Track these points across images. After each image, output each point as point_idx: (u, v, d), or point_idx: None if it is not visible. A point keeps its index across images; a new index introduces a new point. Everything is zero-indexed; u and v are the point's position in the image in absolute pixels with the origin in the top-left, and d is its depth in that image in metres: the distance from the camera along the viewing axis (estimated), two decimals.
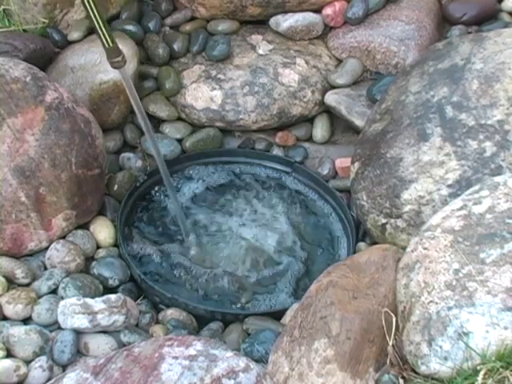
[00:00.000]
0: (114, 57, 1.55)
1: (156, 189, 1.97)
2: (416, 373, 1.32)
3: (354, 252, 1.77)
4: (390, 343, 1.35)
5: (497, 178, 1.49)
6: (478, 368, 1.21)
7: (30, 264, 1.67)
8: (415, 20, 2.06)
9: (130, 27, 2.04)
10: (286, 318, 1.63)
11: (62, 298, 1.59)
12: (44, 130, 1.68)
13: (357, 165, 1.78)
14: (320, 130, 2.06)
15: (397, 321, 1.38)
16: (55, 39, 2.01)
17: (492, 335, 1.24)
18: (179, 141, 2.03)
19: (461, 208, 1.44)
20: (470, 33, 1.99)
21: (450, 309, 1.28)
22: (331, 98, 2.02)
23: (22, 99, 1.68)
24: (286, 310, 1.66)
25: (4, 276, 1.60)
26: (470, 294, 1.28)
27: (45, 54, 1.94)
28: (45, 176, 1.67)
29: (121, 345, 1.53)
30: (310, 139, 2.08)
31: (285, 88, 2.01)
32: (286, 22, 2.08)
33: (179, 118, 2.04)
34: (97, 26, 1.49)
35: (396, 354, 1.36)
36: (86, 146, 1.75)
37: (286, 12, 2.08)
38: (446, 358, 1.27)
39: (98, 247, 1.78)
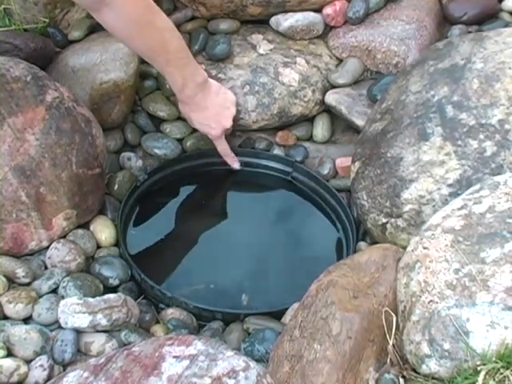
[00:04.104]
0: None
1: (156, 188, 1.97)
2: (416, 372, 1.32)
3: (355, 251, 1.77)
4: (391, 343, 1.35)
5: (497, 178, 1.49)
6: (479, 368, 1.22)
7: (30, 263, 1.66)
8: (416, 19, 2.05)
9: None
10: (287, 318, 1.63)
11: (63, 298, 1.59)
12: (44, 129, 1.68)
13: (357, 164, 1.78)
14: (320, 129, 2.06)
15: (397, 320, 1.38)
16: (56, 39, 2.01)
17: (492, 335, 1.24)
18: (180, 140, 2.02)
19: (461, 207, 1.44)
20: (470, 32, 1.99)
21: (450, 308, 1.29)
22: (332, 98, 2.02)
23: (22, 98, 1.68)
24: (286, 309, 1.66)
25: (4, 275, 1.60)
26: (470, 294, 1.28)
27: (45, 54, 1.94)
28: (45, 175, 1.67)
29: (121, 344, 1.53)
30: (310, 139, 2.08)
31: (285, 87, 2.01)
32: (286, 21, 2.07)
33: (179, 118, 2.04)
34: None
35: (396, 354, 1.36)
36: (87, 145, 1.74)
37: (286, 11, 2.08)
38: (446, 358, 1.27)
39: (99, 247, 1.78)
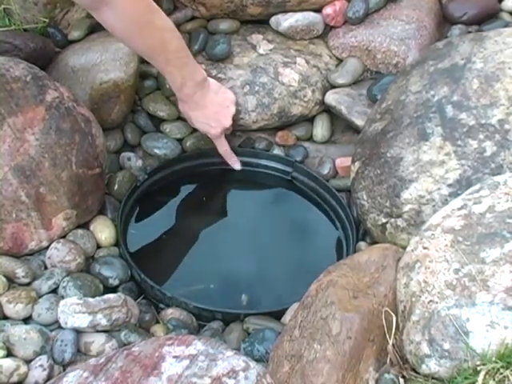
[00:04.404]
0: None
1: (156, 188, 1.97)
2: (416, 372, 1.32)
3: (355, 251, 1.77)
4: (391, 342, 1.35)
5: (497, 178, 1.49)
6: (479, 368, 1.21)
7: (30, 263, 1.66)
8: (415, 19, 2.05)
9: None
10: (286, 318, 1.63)
11: (63, 298, 1.59)
12: (44, 129, 1.68)
13: (357, 164, 1.78)
14: (320, 129, 2.06)
15: (397, 320, 1.38)
16: (56, 38, 2.01)
17: (492, 335, 1.24)
18: (180, 140, 2.02)
19: (461, 207, 1.44)
20: (470, 32, 1.99)
21: (450, 308, 1.28)
22: (331, 98, 2.01)
23: (22, 98, 1.68)
24: (286, 309, 1.66)
25: (4, 275, 1.60)
26: (470, 294, 1.28)
27: (45, 54, 1.94)
28: (45, 175, 1.67)
29: (121, 344, 1.53)
30: (310, 139, 2.07)
31: (285, 87, 2.01)
32: (286, 21, 2.07)
33: (179, 118, 2.03)
34: None
35: (396, 354, 1.36)
36: (87, 145, 1.74)
37: (286, 11, 2.08)
38: (446, 358, 1.27)
39: (99, 247, 1.78)
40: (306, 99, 2.02)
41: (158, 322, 1.67)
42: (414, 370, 1.33)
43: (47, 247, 1.70)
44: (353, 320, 1.34)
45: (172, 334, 1.60)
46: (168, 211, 1.94)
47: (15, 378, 1.44)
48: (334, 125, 2.08)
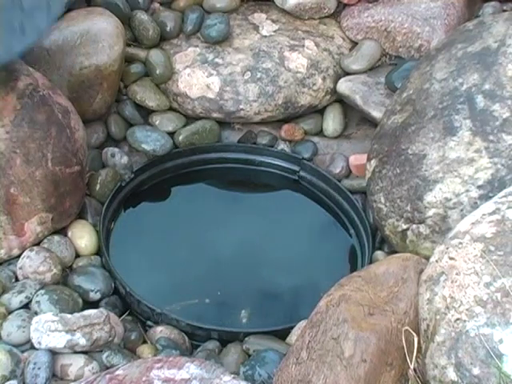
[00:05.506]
0: None
1: (144, 188, 1.97)
2: None
3: (370, 262, 1.77)
4: (412, 367, 1.35)
5: None
6: None
7: None
8: None
9: (114, 1, 2.02)
10: (292, 337, 1.63)
11: (36, 314, 1.59)
12: (16, 121, 1.68)
13: (373, 162, 1.79)
14: (331, 122, 2.06)
15: (419, 341, 1.38)
16: None
17: None
18: (171, 134, 2.02)
19: (493, 212, 1.44)
20: (505, 11, 1.99)
21: (480, 328, 1.28)
22: (345, 86, 2.02)
23: None
24: (291, 327, 1.66)
25: None
26: (503, 311, 1.28)
27: None
28: (17, 173, 1.67)
29: (103, 367, 1.53)
30: (320, 133, 2.08)
31: (292, 74, 2.01)
32: None
33: (171, 108, 2.04)
34: None
35: (418, 379, 1.36)
36: (64, 139, 1.74)
37: None
38: None
39: (78, 255, 1.78)
40: (315, 88, 2.03)
41: (145, 341, 1.67)
42: None
43: (19, 256, 1.70)
44: (368, 340, 1.34)
45: (161, 355, 1.60)
46: (157, 215, 1.94)
47: None
48: (347, 117, 2.09)
